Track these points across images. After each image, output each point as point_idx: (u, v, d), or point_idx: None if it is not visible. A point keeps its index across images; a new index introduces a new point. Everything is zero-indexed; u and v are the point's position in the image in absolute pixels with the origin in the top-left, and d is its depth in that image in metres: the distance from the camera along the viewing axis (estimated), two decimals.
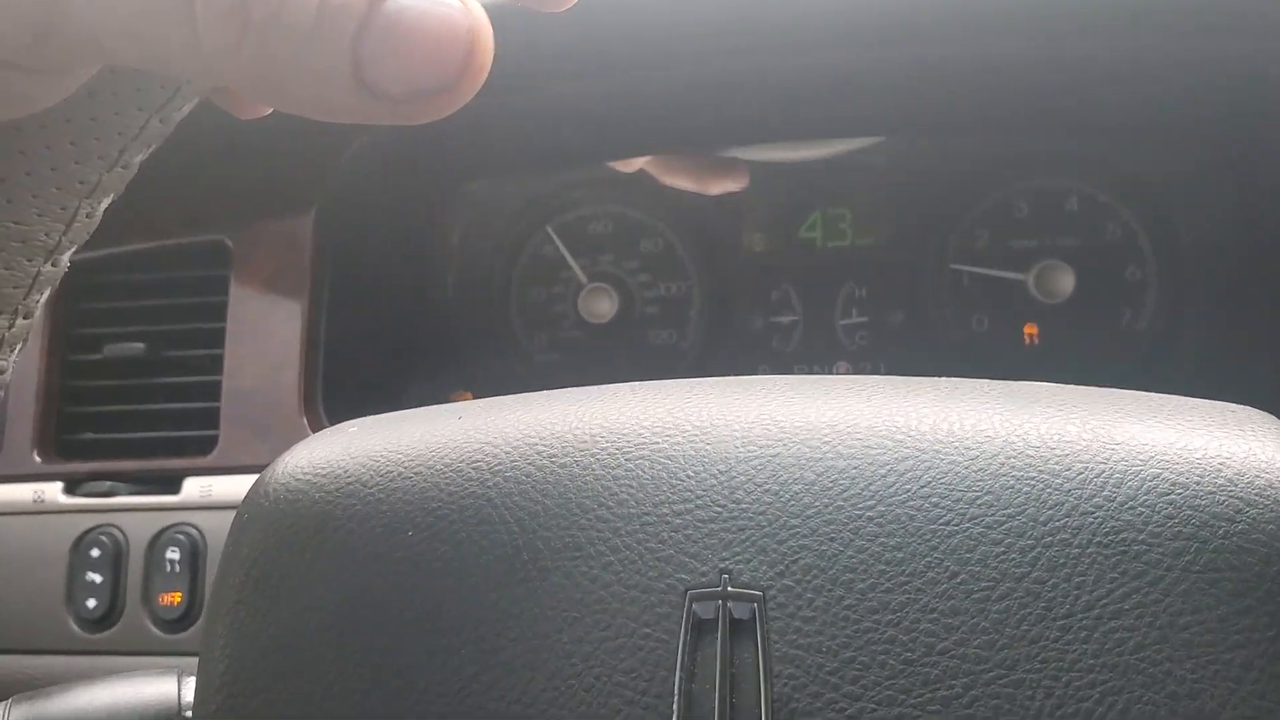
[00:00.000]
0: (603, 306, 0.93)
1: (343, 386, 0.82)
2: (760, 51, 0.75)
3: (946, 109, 0.86)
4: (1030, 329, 0.89)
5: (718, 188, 0.91)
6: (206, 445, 0.80)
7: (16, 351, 0.33)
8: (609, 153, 0.89)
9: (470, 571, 0.36)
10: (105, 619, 0.78)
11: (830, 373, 0.92)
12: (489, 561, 0.36)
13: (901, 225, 0.92)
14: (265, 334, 0.80)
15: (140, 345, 0.84)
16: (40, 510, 0.81)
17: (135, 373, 0.85)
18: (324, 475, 0.39)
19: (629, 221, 0.95)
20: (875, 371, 0.91)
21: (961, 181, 0.90)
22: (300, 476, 0.39)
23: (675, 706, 0.33)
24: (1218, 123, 0.83)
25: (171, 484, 0.80)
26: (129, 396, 0.85)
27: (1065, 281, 0.87)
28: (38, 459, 0.83)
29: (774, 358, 0.93)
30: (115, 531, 0.79)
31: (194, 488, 0.79)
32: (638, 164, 0.90)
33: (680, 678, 0.33)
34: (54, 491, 0.82)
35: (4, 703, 0.47)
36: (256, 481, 0.41)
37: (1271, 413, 0.75)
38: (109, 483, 0.81)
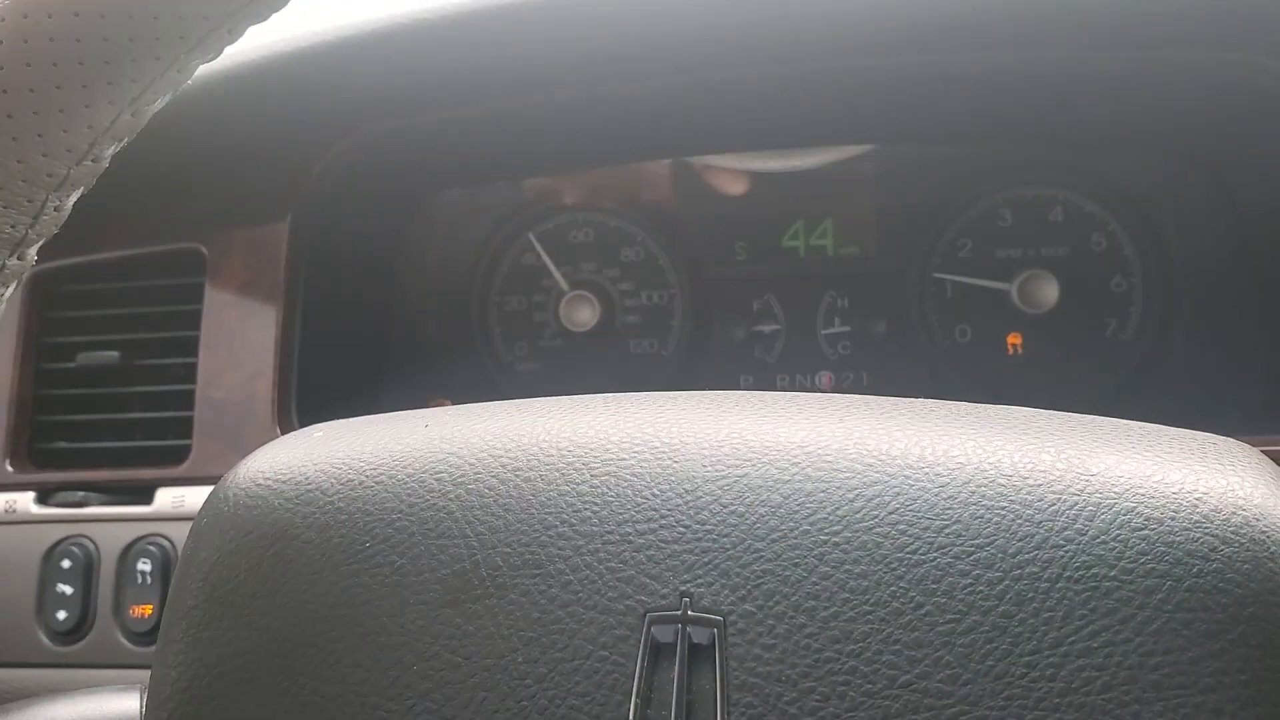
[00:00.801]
0: (584, 315, 0.92)
1: (318, 396, 0.81)
2: (744, 62, 0.75)
3: (931, 118, 0.85)
4: (1014, 339, 0.88)
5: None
6: (179, 455, 0.79)
7: None
8: (587, 161, 0.89)
9: (427, 586, 0.35)
10: (76, 631, 0.77)
11: (813, 382, 0.92)
12: (446, 576, 0.35)
13: (884, 234, 0.91)
14: (239, 343, 0.79)
15: (114, 354, 0.83)
16: (11, 520, 0.81)
17: (109, 381, 0.84)
18: (285, 482, 0.39)
19: (610, 230, 0.94)
20: (858, 381, 0.91)
21: (945, 191, 0.90)
22: (261, 482, 0.39)
23: None
24: (1205, 134, 0.82)
25: (144, 494, 0.79)
26: (102, 405, 0.84)
27: (1049, 291, 0.86)
28: (9, 468, 0.83)
29: (756, 367, 0.92)
30: (87, 542, 0.78)
31: (166, 498, 0.78)
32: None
33: (636, 703, 0.32)
34: (26, 501, 0.81)
35: None
36: (218, 485, 0.40)
37: (1256, 422, 0.75)
38: (81, 492, 0.80)
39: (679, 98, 0.80)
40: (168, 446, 0.80)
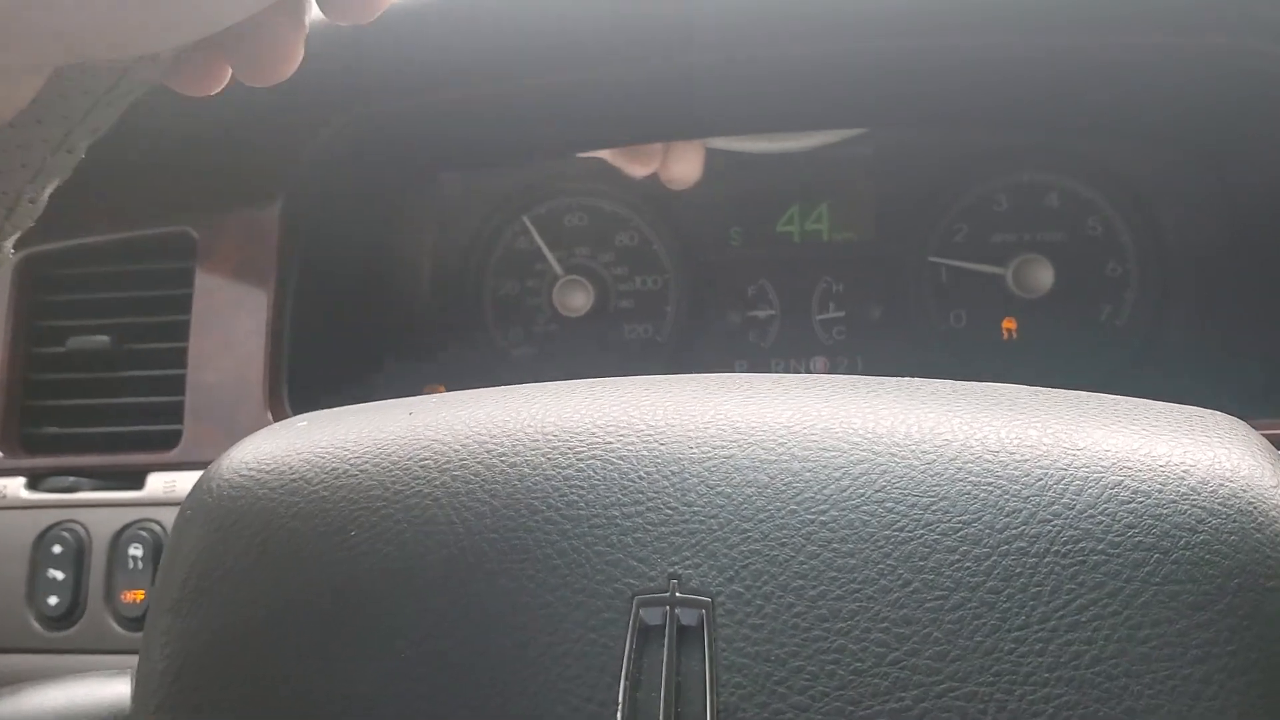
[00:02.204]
0: (578, 300, 0.92)
1: (310, 382, 0.81)
2: (739, 44, 0.75)
3: (927, 102, 0.85)
4: (1009, 324, 0.88)
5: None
6: (170, 440, 0.79)
7: None
8: (583, 144, 0.88)
9: (413, 573, 0.35)
10: (67, 617, 0.77)
11: (808, 367, 0.91)
12: (433, 563, 0.35)
13: (880, 219, 0.91)
14: (230, 327, 0.79)
15: (104, 338, 0.83)
16: (2, 505, 0.80)
17: (99, 366, 0.83)
18: (268, 471, 0.38)
19: (604, 214, 0.94)
20: (853, 366, 0.91)
21: (941, 175, 0.90)
22: (244, 473, 0.39)
23: (619, 716, 0.32)
24: (1199, 119, 0.82)
25: (135, 479, 0.78)
26: (93, 390, 0.84)
27: (1044, 276, 0.86)
28: None
29: (751, 352, 0.92)
30: (78, 527, 0.78)
31: (158, 483, 0.78)
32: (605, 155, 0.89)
33: (625, 686, 0.32)
34: (16, 486, 0.80)
35: None
36: (201, 476, 0.40)
37: (1253, 407, 0.75)
38: (72, 478, 0.80)
39: (674, 81, 0.79)
40: (159, 431, 0.80)
